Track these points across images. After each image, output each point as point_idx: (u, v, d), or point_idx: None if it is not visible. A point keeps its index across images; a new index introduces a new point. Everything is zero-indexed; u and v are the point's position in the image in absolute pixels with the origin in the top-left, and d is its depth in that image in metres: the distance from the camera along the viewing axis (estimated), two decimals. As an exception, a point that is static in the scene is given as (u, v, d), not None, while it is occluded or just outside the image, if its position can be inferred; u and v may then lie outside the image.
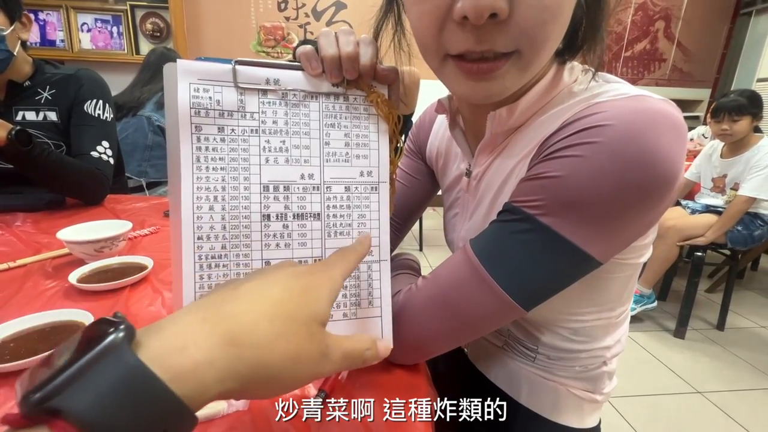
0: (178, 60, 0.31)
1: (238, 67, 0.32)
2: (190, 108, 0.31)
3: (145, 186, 1.47)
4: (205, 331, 0.21)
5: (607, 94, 0.35)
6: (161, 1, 2.60)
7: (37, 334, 0.42)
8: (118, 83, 1.62)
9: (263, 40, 2.80)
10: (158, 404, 0.17)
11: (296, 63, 0.35)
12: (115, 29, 2.62)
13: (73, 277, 0.55)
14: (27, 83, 0.96)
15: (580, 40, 0.37)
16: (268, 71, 0.33)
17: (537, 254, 0.34)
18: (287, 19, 2.79)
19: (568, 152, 0.33)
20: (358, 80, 0.36)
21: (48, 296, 0.53)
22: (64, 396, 0.16)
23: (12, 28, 0.87)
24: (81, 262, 0.61)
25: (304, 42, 1.65)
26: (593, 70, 0.38)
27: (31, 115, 0.95)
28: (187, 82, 0.31)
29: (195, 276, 0.32)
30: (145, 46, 2.64)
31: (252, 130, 0.33)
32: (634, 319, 1.80)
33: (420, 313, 0.39)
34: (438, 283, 0.39)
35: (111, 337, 0.18)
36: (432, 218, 2.95)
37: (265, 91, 0.33)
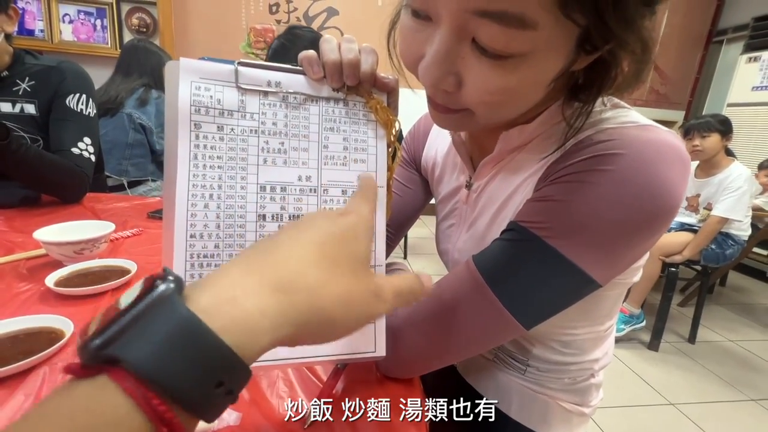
0: (181, 58, 0.30)
1: (240, 68, 0.32)
2: (191, 105, 0.31)
3: (126, 185, 1.42)
4: (253, 281, 0.20)
5: (615, 120, 0.35)
6: (149, -4, 2.55)
7: (10, 341, 0.40)
8: (99, 77, 1.56)
9: (253, 42, 2.77)
10: (212, 355, 0.17)
11: (298, 67, 0.35)
12: (99, 22, 2.54)
13: (51, 280, 0.52)
14: (5, 73, 0.91)
15: (595, 92, 0.34)
16: (269, 74, 0.33)
17: (542, 275, 0.34)
18: (278, 22, 2.78)
19: (579, 177, 0.33)
20: (359, 87, 0.36)
21: (22, 300, 0.50)
22: (121, 343, 0.16)
23: None
24: (58, 264, 0.58)
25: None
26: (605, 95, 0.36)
27: (6, 107, 0.91)
28: (188, 80, 0.31)
29: (186, 275, 0.31)
30: (130, 42, 2.58)
31: (251, 131, 0.33)
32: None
33: (420, 329, 0.39)
34: (439, 298, 0.38)
35: (161, 288, 0.18)
36: (418, 227, 2.96)
37: (266, 93, 0.33)
